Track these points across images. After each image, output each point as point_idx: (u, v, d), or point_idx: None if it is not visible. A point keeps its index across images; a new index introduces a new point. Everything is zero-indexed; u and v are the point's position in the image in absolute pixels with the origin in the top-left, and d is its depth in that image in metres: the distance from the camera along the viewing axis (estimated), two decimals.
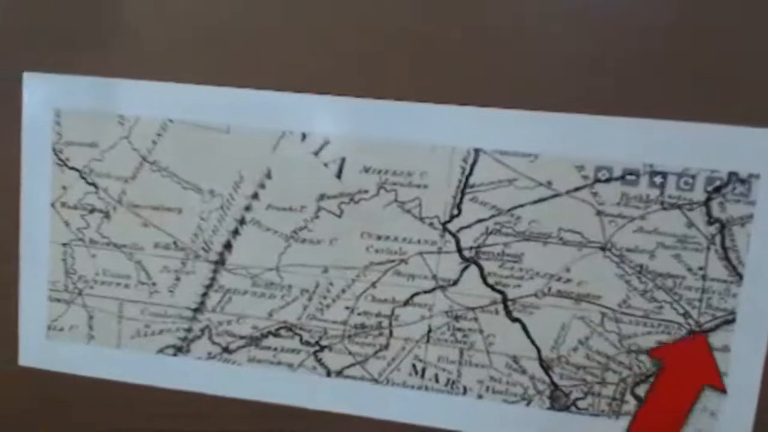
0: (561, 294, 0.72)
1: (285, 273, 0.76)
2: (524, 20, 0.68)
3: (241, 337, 0.78)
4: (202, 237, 0.77)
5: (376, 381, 0.76)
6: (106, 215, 0.79)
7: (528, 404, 0.74)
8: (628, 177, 0.69)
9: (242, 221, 0.76)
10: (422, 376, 0.75)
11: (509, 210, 0.71)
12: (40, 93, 0.78)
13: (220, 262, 0.77)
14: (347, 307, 0.76)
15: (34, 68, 0.78)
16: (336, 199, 0.74)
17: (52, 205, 0.80)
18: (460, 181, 0.72)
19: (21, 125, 0.79)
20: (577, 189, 0.70)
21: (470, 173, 0.72)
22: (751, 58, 0.65)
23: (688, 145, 0.67)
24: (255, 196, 0.76)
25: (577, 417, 0.73)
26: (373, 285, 0.75)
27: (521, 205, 0.71)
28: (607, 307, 0.71)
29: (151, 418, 0.81)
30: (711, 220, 0.68)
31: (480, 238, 0.72)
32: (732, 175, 0.67)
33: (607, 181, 0.69)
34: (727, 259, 0.68)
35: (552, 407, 0.74)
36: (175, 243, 0.78)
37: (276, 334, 0.78)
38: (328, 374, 0.77)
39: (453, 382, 0.75)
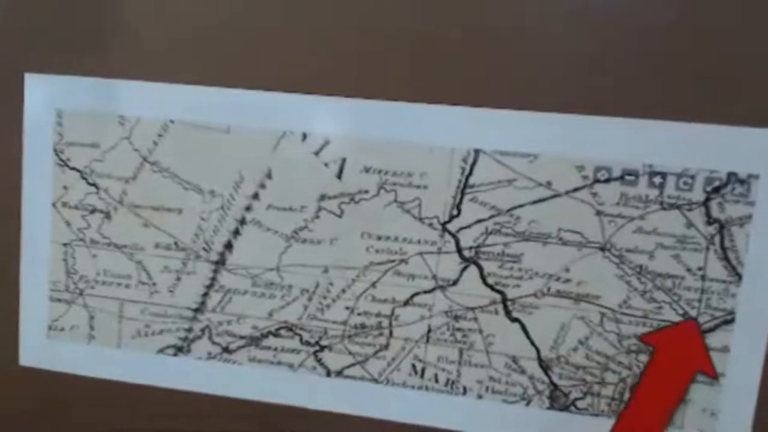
0: (560, 294, 0.71)
1: (285, 273, 0.76)
2: (524, 20, 0.68)
3: (242, 337, 0.78)
4: (203, 237, 0.76)
5: (376, 381, 0.76)
6: (107, 215, 0.78)
7: (527, 404, 0.73)
8: (628, 177, 0.68)
9: (243, 221, 0.75)
10: (422, 376, 0.75)
11: (509, 210, 0.71)
12: (42, 94, 0.78)
13: (221, 262, 0.77)
14: (347, 307, 0.75)
15: (35, 69, 0.77)
16: (336, 199, 0.74)
17: (53, 205, 0.79)
18: (459, 182, 0.71)
19: (22, 126, 0.78)
20: (576, 189, 0.69)
21: (470, 173, 0.71)
22: (751, 58, 0.64)
23: (688, 146, 0.67)
24: (255, 196, 0.75)
25: (577, 417, 0.72)
26: (373, 285, 0.74)
27: (521, 206, 0.71)
28: (606, 308, 0.70)
29: (151, 418, 0.81)
30: (710, 221, 0.67)
31: (480, 238, 0.72)
32: (731, 175, 0.66)
33: (607, 181, 0.69)
34: (726, 259, 0.68)
35: (551, 407, 0.73)
36: (175, 243, 0.77)
37: (276, 334, 0.77)
38: (328, 374, 0.77)
39: (453, 382, 0.74)
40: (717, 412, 0.70)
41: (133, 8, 0.74)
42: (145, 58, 0.75)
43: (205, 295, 0.78)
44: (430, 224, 0.72)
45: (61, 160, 0.78)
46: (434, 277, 0.73)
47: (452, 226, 0.72)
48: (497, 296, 0.72)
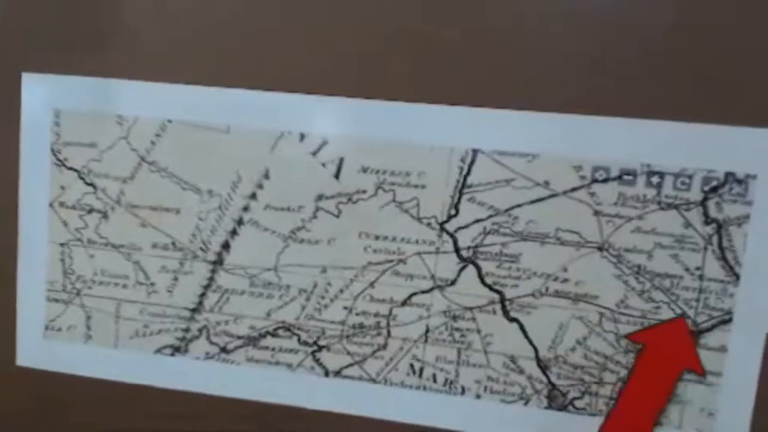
0: (558, 294, 0.70)
1: (283, 273, 0.75)
2: (524, 20, 0.67)
3: (239, 337, 0.77)
4: (201, 237, 0.75)
5: (374, 381, 0.75)
6: (105, 215, 0.78)
7: (525, 404, 0.73)
8: (626, 177, 0.68)
9: (240, 221, 0.75)
10: (420, 375, 0.74)
11: (507, 210, 0.70)
12: (39, 93, 0.77)
13: (218, 263, 0.76)
14: (345, 307, 0.75)
15: (32, 68, 0.76)
16: (334, 199, 0.73)
17: (51, 205, 0.78)
18: (458, 181, 0.71)
19: (20, 125, 0.77)
20: (574, 189, 0.69)
21: (468, 173, 0.70)
22: (751, 58, 0.64)
23: (685, 146, 0.66)
24: (253, 196, 0.74)
25: (575, 416, 0.72)
26: (371, 285, 0.74)
27: (519, 205, 0.70)
28: (604, 307, 0.70)
29: (149, 418, 0.80)
30: (708, 220, 0.67)
31: (478, 238, 0.71)
32: (729, 175, 0.66)
33: (605, 181, 0.68)
34: (724, 259, 0.67)
35: (549, 407, 0.72)
36: (173, 243, 0.76)
37: (274, 334, 0.76)
38: (326, 374, 0.76)
39: (451, 382, 0.74)
40: (715, 412, 0.69)
41: (131, 8, 0.73)
42: (142, 57, 0.74)
43: (203, 295, 0.77)
44: (428, 224, 0.72)
45: (58, 159, 0.77)
46: (432, 277, 0.72)
47: (450, 226, 0.71)
48: (495, 296, 0.72)
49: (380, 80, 0.70)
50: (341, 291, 0.74)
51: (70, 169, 0.77)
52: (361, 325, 0.75)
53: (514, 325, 0.72)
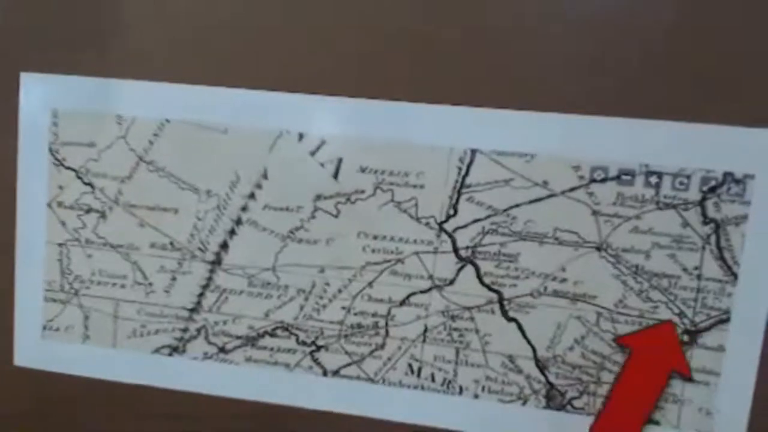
0: (557, 294, 0.70)
1: (281, 273, 0.74)
2: (524, 20, 0.67)
3: (238, 337, 0.76)
4: (199, 237, 0.75)
5: (372, 380, 0.75)
6: (103, 215, 0.77)
7: (524, 403, 0.72)
8: (624, 177, 0.67)
9: (239, 221, 0.74)
10: (418, 375, 0.74)
11: (505, 210, 0.70)
12: (37, 93, 0.76)
13: (217, 262, 0.75)
14: (343, 307, 0.74)
15: (31, 68, 0.76)
16: (332, 199, 0.72)
17: (49, 205, 0.78)
18: (456, 181, 0.70)
19: (18, 125, 0.77)
20: (573, 189, 0.68)
21: (466, 173, 0.70)
22: (751, 58, 0.64)
23: (684, 146, 0.66)
24: (252, 196, 0.74)
25: (573, 416, 0.72)
26: (370, 285, 0.73)
27: (517, 205, 0.70)
28: (602, 307, 0.69)
29: (147, 418, 0.79)
30: (706, 220, 0.67)
31: (476, 237, 0.71)
32: (727, 175, 0.66)
33: (603, 181, 0.68)
34: (722, 258, 0.67)
35: (548, 406, 0.72)
36: (171, 243, 0.76)
37: (272, 334, 0.76)
38: (325, 374, 0.75)
39: (449, 382, 0.73)
40: (713, 412, 0.69)
41: (130, 8, 0.73)
42: (141, 57, 0.73)
43: (201, 295, 0.76)
44: (427, 224, 0.71)
45: (56, 159, 0.77)
46: (431, 276, 0.72)
47: (449, 226, 0.71)
48: (494, 296, 0.71)
49: (380, 80, 0.69)
50: (339, 291, 0.74)
51: (68, 168, 0.77)
52: (360, 325, 0.74)
53: (513, 325, 0.71)
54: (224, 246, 0.75)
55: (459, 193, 0.70)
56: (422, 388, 0.74)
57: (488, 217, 0.70)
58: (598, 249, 0.69)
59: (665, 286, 0.68)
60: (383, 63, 0.69)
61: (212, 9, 0.71)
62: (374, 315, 0.73)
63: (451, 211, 0.71)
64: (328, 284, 0.74)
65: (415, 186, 0.71)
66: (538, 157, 0.68)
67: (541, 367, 0.71)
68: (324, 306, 0.74)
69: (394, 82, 0.69)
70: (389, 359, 0.74)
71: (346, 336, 0.74)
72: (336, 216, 0.73)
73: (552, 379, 0.71)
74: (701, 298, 0.68)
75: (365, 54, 0.69)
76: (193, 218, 0.75)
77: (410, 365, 0.74)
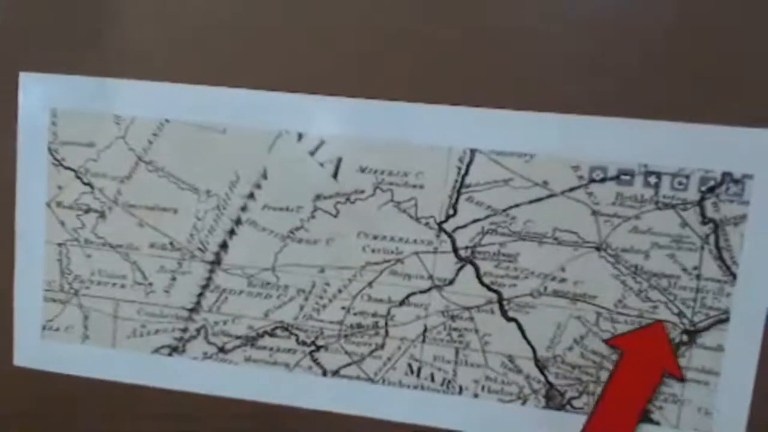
0: (556, 294, 0.70)
1: (281, 273, 0.74)
2: (524, 20, 0.66)
3: (237, 337, 0.76)
4: (198, 237, 0.75)
5: (372, 381, 0.74)
6: (102, 215, 0.76)
7: (523, 403, 0.72)
8: (623, 177, 0.67)
9: (238, 221, 0.74)
10: (418, 375, 0.73)
11: (505, 210, 0.69)
12: (36, 93, 0.76)
13: (216, 262, 0.75)
14: (343, 307, 0.74)
15: (30, 68, 0.75)
16: (332, 199, 0.72)
17: (48, 205, 0.77)
18: (456, 181, 0.70)
19: (17, 125, 0.76)
20: (572, 189, 0.68)
21: (466, 173, 0.70)
22: (751, 58, 0.64)
23: (683, 146, 0.66)
24: (251, 196, 0.73)
25: (573, 416, 0.71)
26: (369, 285, 0.73)
27: (517, 205, 0.69)
28: (602, 307, 0.69)
29: (146, 418, 0.79)
30: (705, 220, 0.66)
31: (476, 237, 0.70)
32: (726, 175, 0.65)
33: (602, 181, 0.67)
34: (721, 258, 0.67)
35: (547, 406, 0.72)
36: (171, 243, 0.75)
37: (272, 334, 0.75)
38: (324, 374, 0.75)
39: (449, 382, 0.73)
40: (712, 412, 0.69)
41: (129, 7, 0.72)
42: (140, 57, 0.73)
43: (201, 295, 0.76)
44: (426, 224, 0.71)
45: (55, 159, 0.76)
46: (430, 276, 0.71)
47: (448, 226, 0.71)
48: (493, 296, 0.71)
49: (380, 80, 0.69)
50: (339, 291, 0.73)
51: (68, 168, 0.76)
52: (359, 325, 0.74)
53: (512, 325, 0.71)
54: (224, 246, 0.75)
55: (458, 193, 0.70)
56: (422, 388, 0.73)
57: (488, 217, 0.70)
58: (598, 249, 0.68)
59: (664, 286, 0.68)
60: (383, 63, 0.69)
61: (212, 9, 0.71)
62: (374, 315, 0.73)
63: (451, 211, 0.70)
64: (327, 284, 0.73)
65: (414, 186, 0.70)
66: (537, 157, 0.68)
67: (541, 367, 0.71)
68: (324, 306, 0.74)
69: (394, 82, 0.69)
70: (389, 359, 0.74)
71: (345, 336, 0.74)
72: (335, 216, 0.72)
73: (551, 379, 0.71)
74: (700, 298, 0.67)
75: (365, 54, 0.69)
76: (193, 218, 0.75)
77: (410, 365, 0.73)
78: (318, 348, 0.75)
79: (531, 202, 0.69)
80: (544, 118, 0.67)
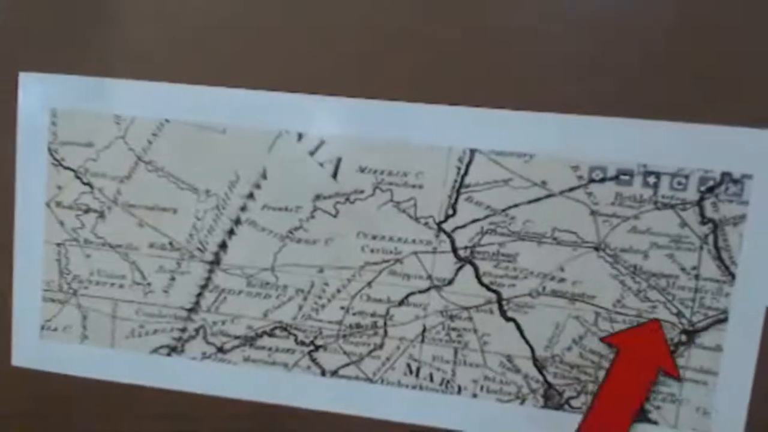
0: (555, 293, 0.69)
1: (280, 273, 0.74)
2: (524, 20, 0.66)
3: (236, 337, 0.75)
4: (198, 237, 0.74)
5: (370, 380, 0.74)
6: (101, 215, 0.76)
7: (522, 403, 0.72)
8: (622, 177, 0.67)
9: (238, 221, 0.73)
10: (417, 375, 0.73)
11: (504, 210, 0.69)
12: (36, 93, 0.75)
13: (216, 262, 0.74)
14: (342, 307, 0.73)
15: (30, 68, 0.75)
16: (331, 199, 0.72)
17: (47, 204, 0.77)
18: (455, 181, 0.69)
19: (16, 125, 0.76)
20: (571, 189, 0.68)
21: (465, 173, 0.69)
22: (751, 58, 0.63)
23: (682, 146, 0.65)
24: (250, 196, 0.73)
25: (571, 415, 0.71)
26: (369, 285, 0.72)
27: (516, 205, 0.69)
28: (601, 307, 0.69)
29: (145, 418, 0.78)
30: (704, 220, 0.66)
31: (475, 237, 0.70)
32: (725, 175, 0.65)
33: (602, 181, 0.67)
34: (719, 258, 0.66)
35: (546, 406, 0.71)
36: (170, 243, 0.75)
37: (271, 334, 0.75)
38: (323, 374, 0.74)
39: (447, 382, 0.73)
40: (710, 411, 0.68)
41: (130, 7, 0.72)
42: (140, 57, 0.73)
43: (200, 295, 0.75)
44: (426, 224, 0.70)
45: (55, 159, 0.76)
46: (429, 276, 0.71)
47: (447, 226, 0.70)
48: (492, 296, 0.70)
49: (381, 81, 0.69)
50: (338, 291, 0.73)
51: (67, 168, 0.76)
52: (358, 325, 0.73)
53: (511, 325, 0.70)
54: (223, 246, 0.74)
55: (458, 193, 0.69)
56: (421, 387, 0.73)
57: (487, 217, 0.69)
58: (597, 249, 0.68)
59: (663, 286, 0.67)
60: (383, 63, 0.68)
61: (212, 9, 0.70)
62: (373, 315, 0.73)
63: (450, 211, 0.70)
64: (326, 284, 0.73)
65: (414, 186, 0.70)
66: (536, 157, 0.68)
67: (540, 366, 0.71)
68: (323, 306, 0.73)
69: (394, 83, 0.68)
70: (388, 359, 0.73)
71: (344, 336, 0.73)
72: (335, 216, 0.72)
73: (550, 378, 0.71)
74: (699, 298, 0.67)
75: (365, 54, 0.68)
76: (192, 218, 0.74)
77: (409, 365, 0.73)
78: (317, 348, 0.74)
79: (530, 202, 0.68)
80: (543, 118, 0.67)
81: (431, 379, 0.73)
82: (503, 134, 0.68)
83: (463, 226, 0.70)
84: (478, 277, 0.70)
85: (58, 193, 0.76)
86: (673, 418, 0.69)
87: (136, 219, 0.75)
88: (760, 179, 0.64)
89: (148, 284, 0.76)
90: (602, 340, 0.68)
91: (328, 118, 0.70)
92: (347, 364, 0.74)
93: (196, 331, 0.76)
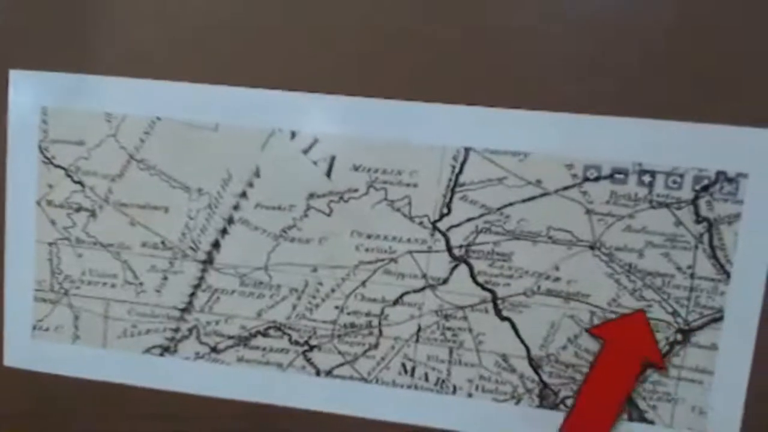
0: (550, 293, 0.69)
1: (274, 272, 0.73)
2: (524, 20, 0.66)
3: (230, 337, 0.74)
4: (190, 236, 0.73)
5: (365, 380, 0.73)
6: (93, 214, 0.75)
7: (517, 403, 0.71)
8: (617, 176, 0.66)
9: (230, 220, 0.72)
10: (412, 375, 0.72)
11: (499, 209, 0.68)
12: (27, 90, 0.74)
13: (209, 262, 0.73)
14: (336, 307, 0.72)
15: (20, 65, 0.73)
16: (325, 197, 0.71)
17: (38, 203, 0.76)
18: (450, 180, 0.69)
19: (7, 123, 0.74)
20: (566, 188, 0.67)
21: (460, 172, 0.68)
22: (751, 58, 0.63)
23: (677, 144, 0.65)
24: (243, 194, 0.72)
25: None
26: (363, 284, 0.71)
27: (511, 204, 0.68)
28: (596, 306, 0.68)
29: (137, 418, 0.77)
30: (699, 219, 0.66)
31: (470, 236, 0.69)
32: (720, 174, 0.65)
33: (596, 179, 0.66)
34: (715, 257, 0.66)
35: (541, 405, 0.71)
36: (162, 242, 0.74)
37: (265, 334, 0.74)
38: (318, 374, 0.74)
39: (443, 381, 0.72)
40: (706, 411, 0.68)
41: (121, 5, 0.71)
42: (132, 55, 0.71)
43: (193, 294, 0.74)
44: (420, 223, 0.69)
45: (45, 157, 0.74)
46: (424, 276, 0.70)
47: (442, 225, 0.69)
48: (487, 295, 0.69)
49: (381, 81, 0.68)
50: (332, 290, 0.72)
51: (58, 167, 0.74)
52: (353, 325, 0.72)
53: (506, 324, 0.70)
54: (216, 245, 0.73)
55: (452, 192, 0.69)
56: (416, 387, 0.72)
57: (482, 215, 0.68)
58: (592, 248, 0.67)
59: (658, 285, 0.67)
60: (383, 63, 0.67)
61: (212, 9, 0.69)
62: (367, 314, 0.72)
63: (445, 210, 0.69)
64: (320, 283, 0.72)
65: (408, 185, 0.69)
66: (531, 155, 0.67)
67: (535, 366, 0.70)
68: (317, 305, 0.72)
69: (394, 83, 0.67)
70: (382, 359, 0.72)
71: (339, 336, 0.72)
72: (329, 215, 0.71)
73: (545, 378, 0.70)
74: (694, 297, 0.66)
75: (365, 54, 0.68)
76: (185, 217, 0.73)
77: (404, 365, 0.72)
78: (311, 348, 0.73)
79: (525, 200, 0.68)
80: (538, 116, 0.66)
81: (426, 379, 0.72)
82: (498, 133, 0.67)
83: (458, 225, 0.69)
84: (473, 276, 0.69)
85: (49, 191, 0.75)
86: (668, 417, 0.68)
87: (128, 218, 0.74)
88: (755, 178, 0.64)
89: (141, 284, 0.75)
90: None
91: (322, 117, 0.69)
92: (342, 364, 0.73)
93: (189, 331, 0.75)
